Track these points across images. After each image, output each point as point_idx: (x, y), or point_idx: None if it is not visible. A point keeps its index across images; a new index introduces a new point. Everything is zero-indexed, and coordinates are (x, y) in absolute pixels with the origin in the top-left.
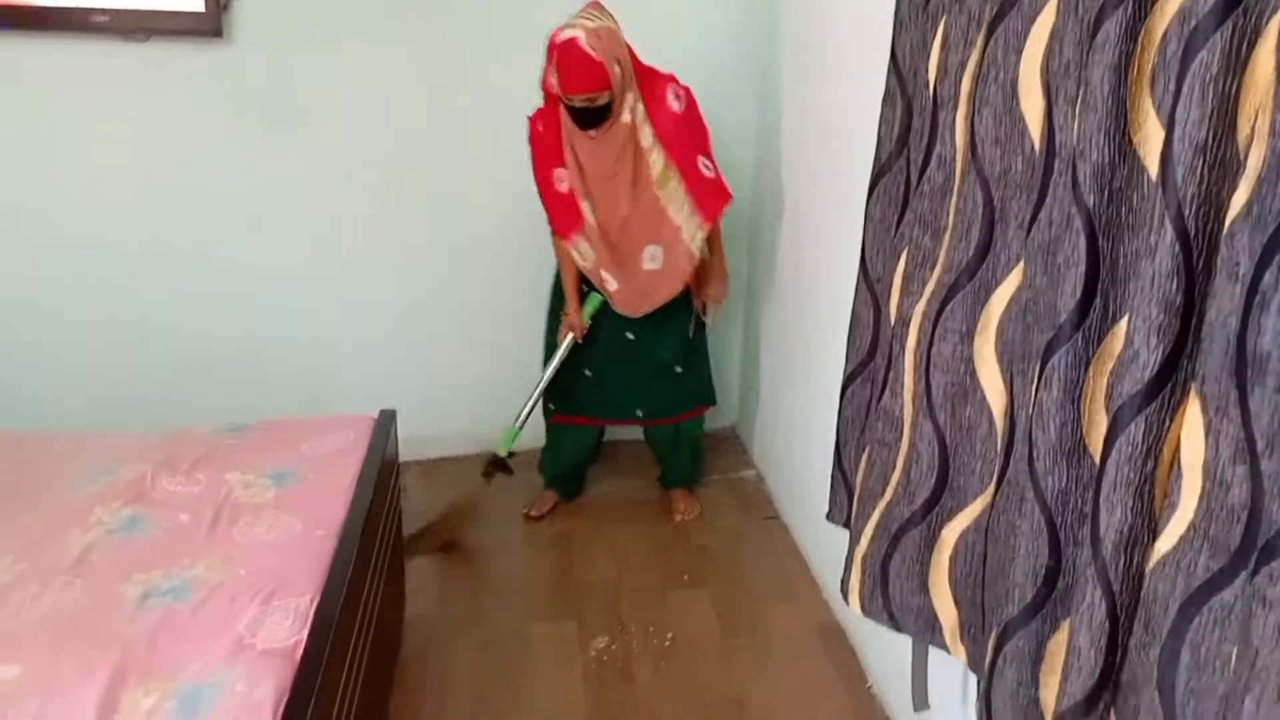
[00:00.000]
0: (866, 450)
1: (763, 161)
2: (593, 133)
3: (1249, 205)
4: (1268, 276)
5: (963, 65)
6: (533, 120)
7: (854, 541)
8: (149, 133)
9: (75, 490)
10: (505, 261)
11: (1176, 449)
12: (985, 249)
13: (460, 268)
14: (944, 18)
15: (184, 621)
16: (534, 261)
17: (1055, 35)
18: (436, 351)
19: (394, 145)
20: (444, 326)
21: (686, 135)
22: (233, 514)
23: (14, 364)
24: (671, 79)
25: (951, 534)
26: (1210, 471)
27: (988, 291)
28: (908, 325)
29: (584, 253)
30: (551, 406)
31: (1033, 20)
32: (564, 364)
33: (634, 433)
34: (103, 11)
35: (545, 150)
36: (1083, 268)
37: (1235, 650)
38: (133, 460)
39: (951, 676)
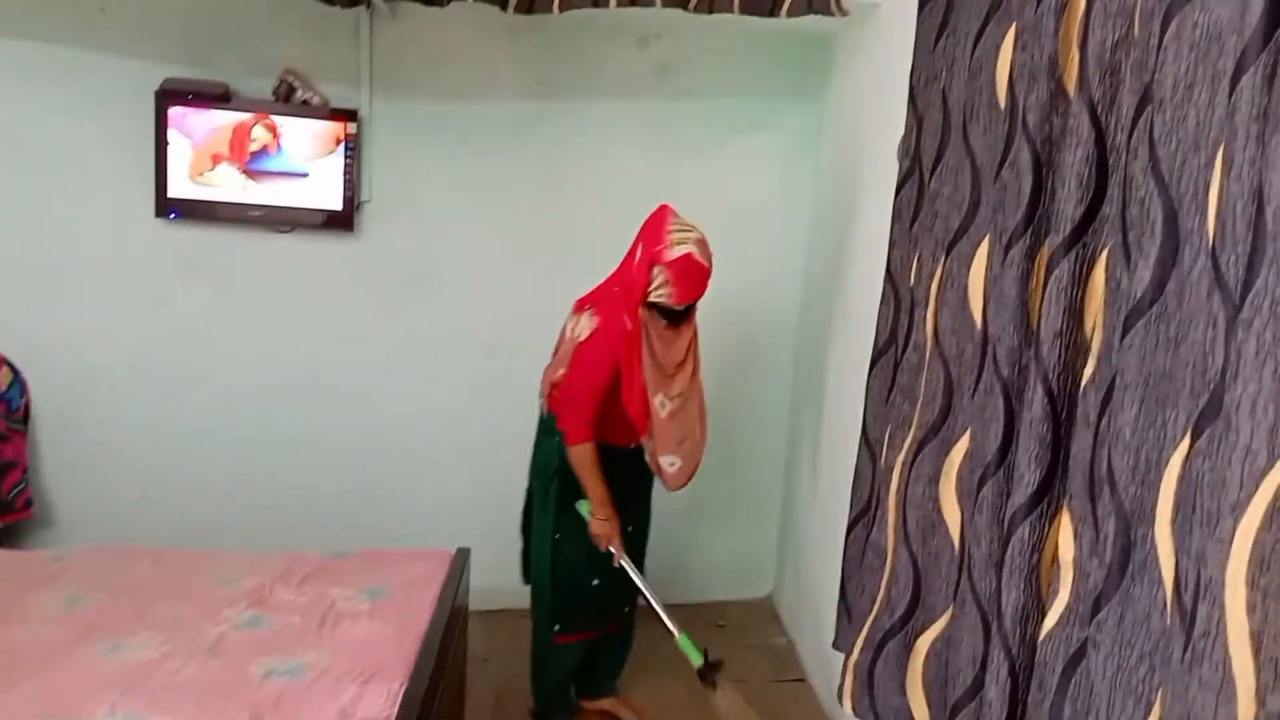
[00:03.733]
0: (861, 575)
1: (799, 357)
2: (680, 326)
3: (1094, 374)
4: (1103, 423)
5: (931, 275)
6: (619, 322)
7: (847, 653)
8: (291, 301)
9: (207, 594)
10: None
11: (1056, 548)
12: (946, 412)
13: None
14: (919, 240)
15: (300, 694)
16: None
17: (988, 265)
18: (507, 507)
19: (487, 317)
20: (518, 484)
21: None
22: (336, 618)
23: (156, 482)
24: None
25: (924, 644)
26: (1078, 565)
27: (948, 445)
28: (891, 473)
29: (647, 446)
30: (558, 628)
31: (977, 245)
32: (571, 579)
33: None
34: (258, 208)
35: (632, 350)
36: (1001, 422)
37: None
38: (253, 575)
39: None
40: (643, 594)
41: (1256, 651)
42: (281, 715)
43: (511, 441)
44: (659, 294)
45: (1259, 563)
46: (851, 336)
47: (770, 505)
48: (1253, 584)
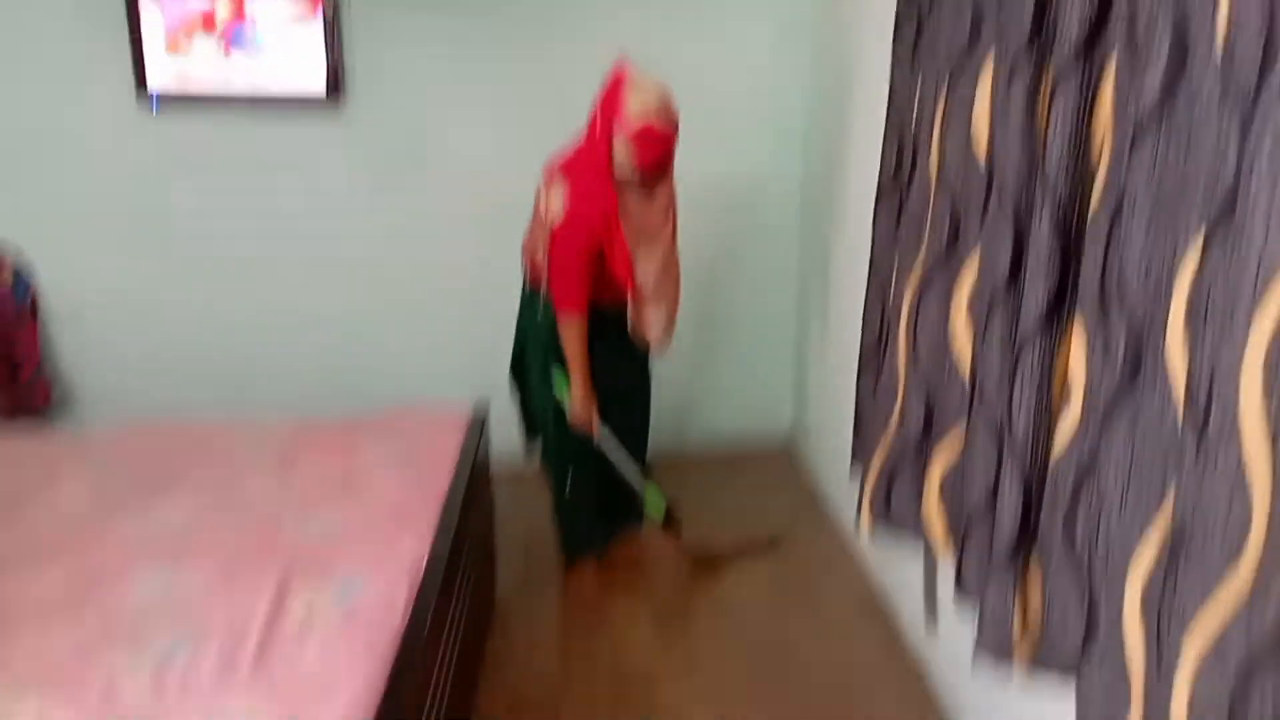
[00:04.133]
0: (875, 403)
1: (806, 195)
2: (656, 188)
3: (1104, 191)
4: (1113, 238)
5: (934, 104)
6: (593, 200)
7: (864, 479)
8: (284, 183)
9: (233, 461)
10: None
11: (1066, 365)
12: (954, 240)
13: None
14: (921, 70)
15: (331, 546)
16: None
17: (993, 87)
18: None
19: (482, 186)
20: None
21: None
22: (360, 474)
23: (171, 364)
24: None
25: (937, 467)
26: (1089, 379)
27: (956, 275)
28: (901, 303)
29: (639, 299)
30: (571, 471)
31: (979, 74)
32: (584, 447)
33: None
34: (239, 90)
35: (613, 221)
36: (1009, 246)
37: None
38: (276, 440)
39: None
40: (616, 465)
41: (1274, 446)
42: (314, 566)
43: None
44: (625, 165)
45: (1273, 365)
46: (857, 171)
47: (785, 343)
48: (1268, 386)
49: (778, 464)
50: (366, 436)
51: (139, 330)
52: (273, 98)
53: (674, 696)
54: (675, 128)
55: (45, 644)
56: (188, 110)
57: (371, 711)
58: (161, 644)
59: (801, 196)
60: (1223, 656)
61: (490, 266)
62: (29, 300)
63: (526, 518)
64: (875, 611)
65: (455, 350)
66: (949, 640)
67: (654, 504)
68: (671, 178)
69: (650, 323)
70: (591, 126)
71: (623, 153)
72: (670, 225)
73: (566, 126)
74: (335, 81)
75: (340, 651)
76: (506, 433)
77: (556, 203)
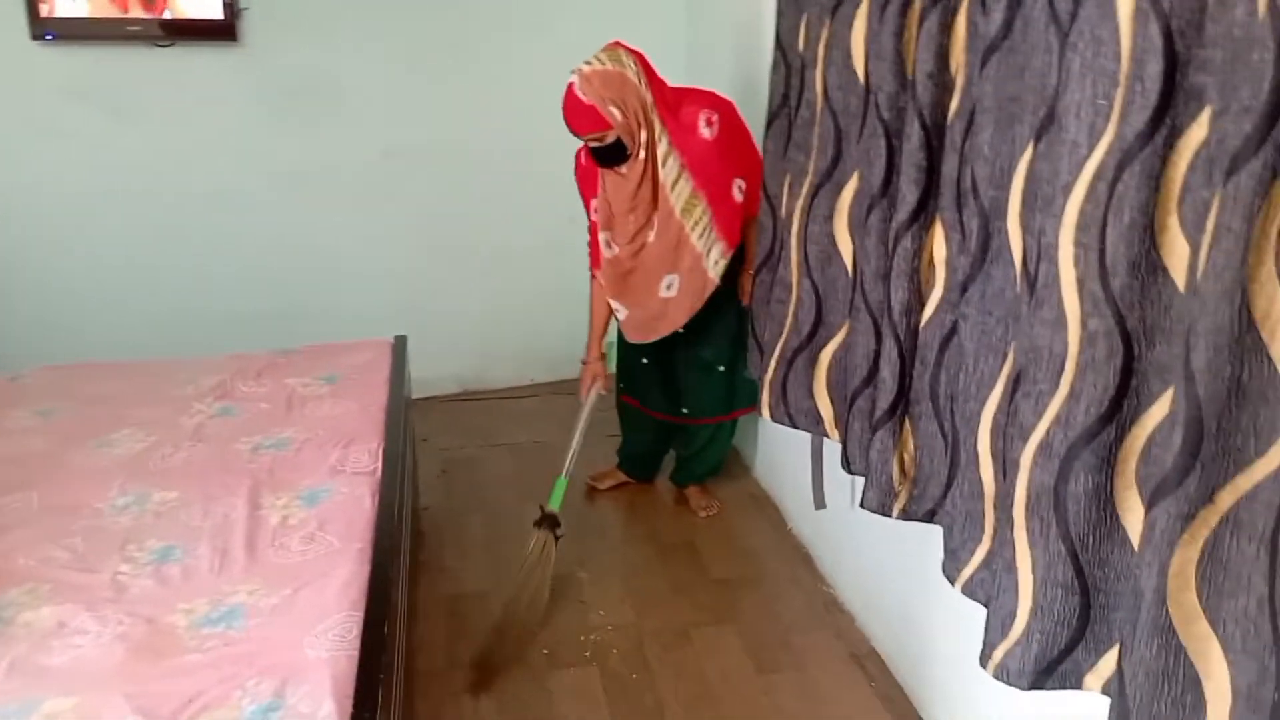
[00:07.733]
0: (769, 309)
1: None
2: (621, 169)
3: (959, 106)
4: (966, 145)
5: (818, 38)
6: (577, 154)
7: (763, 373)
8: (185, 120)
9: (172, 394)
10: (503, 220)
11: (931, 254)
12: (837, 159)
13: (450, 225)
14: (804, 6)
15: (291, 459)
16: (533, 224)
17: (870, 16)
18: (432, 298)
19: (384, 123)
20: (442, 278)
21: (720, 160)
22: (301, 401)
23: (77, 316)
24: (705, 104)
25: (826, 355)
26: (949, 263)
27: (840, 187)
28: (791, 217)
29: (604, 284)
30: (621, 385)
31: (856, 7)
32: (627, 349)
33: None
34: (135, 21)
35: (586, 182)
36: (884, 159)
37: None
38: (210, 375)
39: (842, 487)
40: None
41: (1080, 291)
42: (280, 478)
43: (422, 238)
44: None
45: (1082, 227)
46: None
47: None
48: (1077, 243)
49: None
50: (297, 368)
51: (41, 278)
52: (166, 28)
53: (591, 590)
54: (603, 101)
55: (42, 557)
56: (82, 42)
57: (365, 586)
58: (153, 549)
59: None
60: (1048, 452)
61: (400, 198)
62: None
63: (439, 440)
64: (769, 510)
65: (373, 283)
66: (833, 516)
67: (559, 491)
68: (643, 160)
69: (613, 306)
70: None
71: None
72: (647, 211)
73: (473, 56)
74: (230, 15)
75: (323, 543)
76: (420, 357)
77: None
